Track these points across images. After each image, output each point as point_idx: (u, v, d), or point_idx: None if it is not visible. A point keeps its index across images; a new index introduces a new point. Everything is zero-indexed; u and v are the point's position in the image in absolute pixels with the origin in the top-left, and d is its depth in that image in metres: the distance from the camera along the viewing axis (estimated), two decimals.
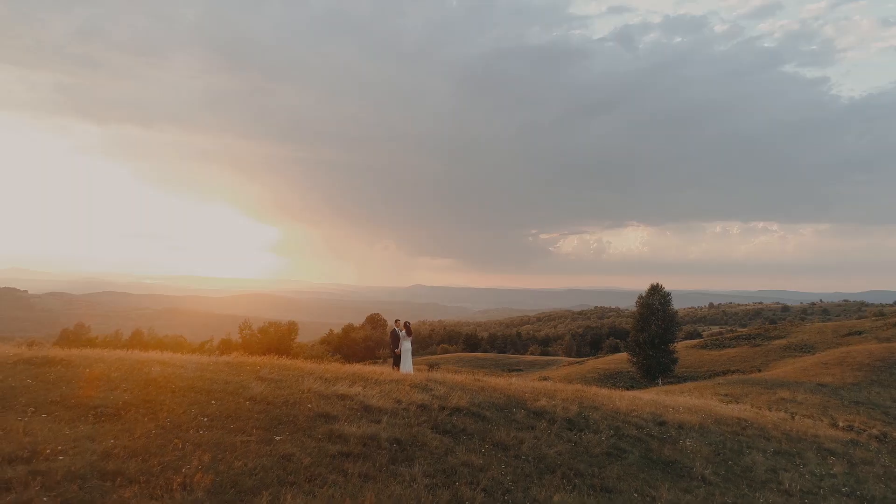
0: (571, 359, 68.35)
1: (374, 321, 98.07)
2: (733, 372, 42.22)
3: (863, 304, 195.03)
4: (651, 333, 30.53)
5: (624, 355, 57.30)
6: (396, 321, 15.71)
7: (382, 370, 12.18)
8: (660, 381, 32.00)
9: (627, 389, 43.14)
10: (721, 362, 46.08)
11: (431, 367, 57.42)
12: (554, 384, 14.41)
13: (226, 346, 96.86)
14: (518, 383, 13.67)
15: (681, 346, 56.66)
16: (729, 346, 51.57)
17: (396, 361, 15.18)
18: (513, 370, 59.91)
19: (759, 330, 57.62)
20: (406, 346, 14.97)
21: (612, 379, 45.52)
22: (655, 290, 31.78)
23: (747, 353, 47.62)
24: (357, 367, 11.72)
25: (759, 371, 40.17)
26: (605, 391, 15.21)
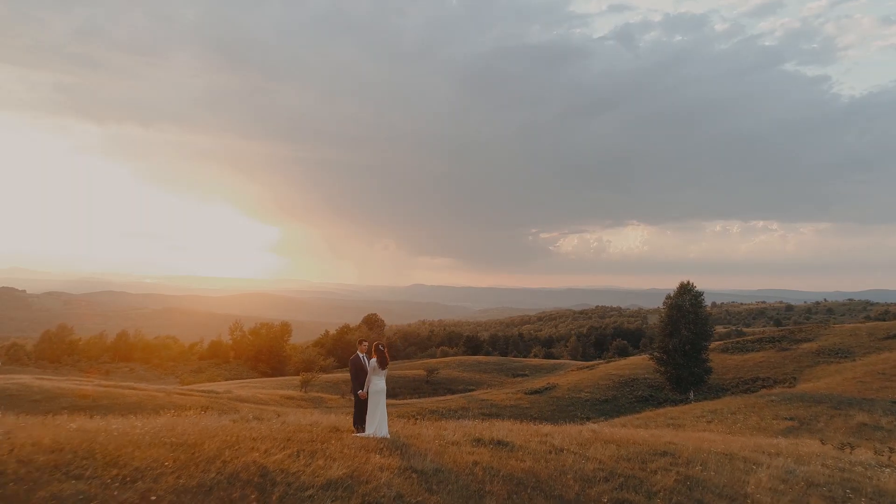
0: (579, 362, 64.12)
1: (371, 322, 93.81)
2: (764, 380, 37.93)
3: (868, 303, 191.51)
4: (681, 339, 26.21)
5: (637, 359, 53.04)
6: (361, 342, 9.66)
7: (330, 434, 7.68)
8: (692, 394, 27.76)
9: (650, 402, 38.84)
10: (747, 369, 41.82)
11: (430, 371, 53.37)
12: (611, 431, 9.89)
13: (216, 348, 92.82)
14: (570, 449, 8.21)
15: None
16: (752, 350, 47.30)
17: (359, 414, 9.08)
18: (517, 375, 55.69)
19: (783, 332, 53.28)
20: (378, 384, 9.05)
21: (628, 387, 41.25)
22: (686, 289, 27.42)
23: (775, 357, 43.32)
24: (272, 444, 6.52)
25: (795, 380, 35.92)
26: (712, 450, 9.20)
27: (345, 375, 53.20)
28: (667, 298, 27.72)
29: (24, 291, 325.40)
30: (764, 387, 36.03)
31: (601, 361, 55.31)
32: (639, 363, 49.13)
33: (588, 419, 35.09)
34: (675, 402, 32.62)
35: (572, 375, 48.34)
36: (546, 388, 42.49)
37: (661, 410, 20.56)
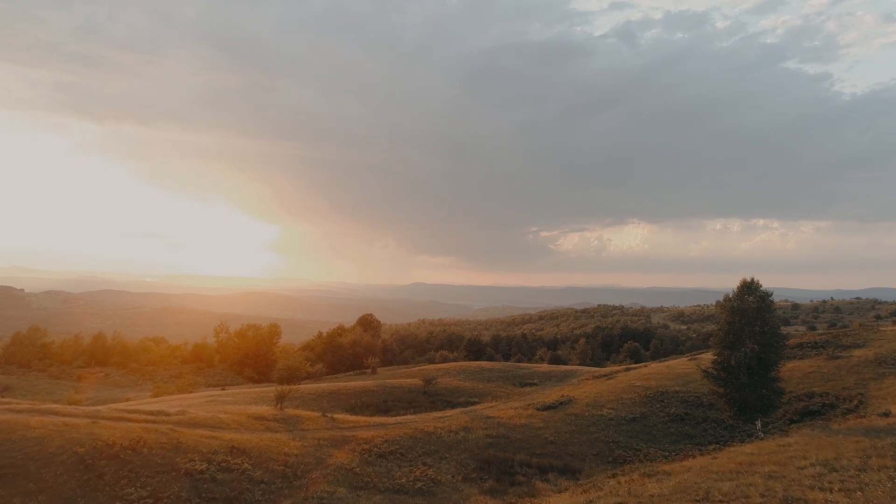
0: (592, 369, 58.26)
1: (366, 323, 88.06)
2: (823, 396, 32.06)
3: (876, 301, 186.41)
4: (746, 353, 20.34)
5: (660, 367, 47.26)
6: None
7: None
8: (758, 424, 21.78)
9: (687, 423, 32.81)
10: (795, 381, 35.93)
11: (428, 381, 47.55)
12: None
13: (199, 351, 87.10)
14: None
15: None
16: (795, 357, 41.29)
17: None
18: (525, 384, 49.88)
19: (826, 336, 47.40)
20: None
21: (658, 402, 35.43)
22: (750, 288, 21.24)
23: (826, 367, 37.48)
24: None
25: (864, 398, 30.15)
26: None
27: (332, 385, 47.35)
28: (725, 300, 21.84)
29: (23, 290, 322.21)
30: (825, 404, 30.26)
31: (619, 368, 49.56)
32: (663, 372, 43.39)
33: (618, 446, 29.32)
34: (731, 431, 26.78)
35: (589, 386, 42.56)
36: (561, 403, 36.76)
37: (737, 454, 14.82)
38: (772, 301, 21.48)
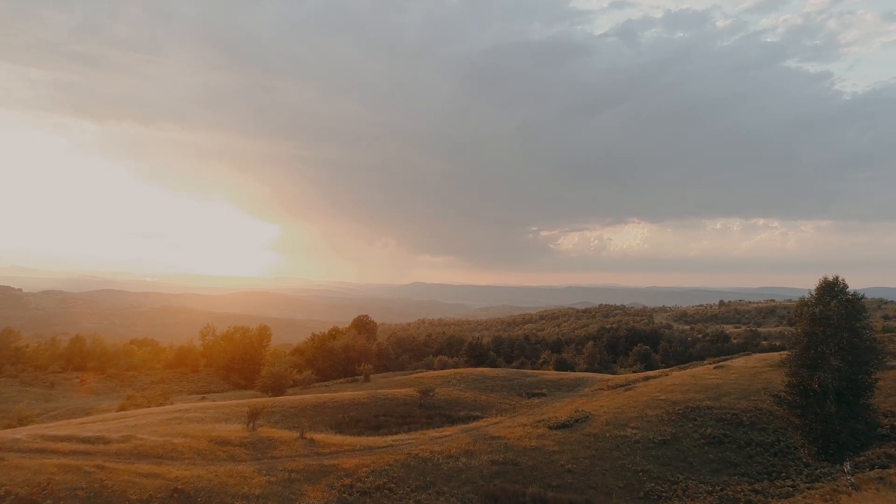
0: (606, 376, 53.45)
1: (361, 324, 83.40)
2: (888, 418, 27.40)
3: (882, 301, 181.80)
4: (833, 373, 15.43)
5: (683, 375, 42.66)
6: None
7: None
8: (847, 467, 16.88)
9: (728, 446, 27.44)
10: None
11: (425, 392, 42.69)
12: None
13: (184, 355, 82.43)
14: None
15: (758, 364, 42.07)
16: None
17: None
18: (532, 395, 45.15)
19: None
20: None
21: (690, 421, 30.76)
22: (832, 290, 16.21)
23: (885, 380, 32.68)
24: None
25: None
26: None
27: (318, 397, 42.65)
28: (801, 304, 16.93)
29: (21, 290, 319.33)
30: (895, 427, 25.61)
31: (637, 377, 44.84)
32: (689, 383, 38.78)
33: (648, 476, 24.63)
34: (783, 458, 22.06)
35: (605, 399, 37.94)
36: (576, 420, 32.15)
37: None
38: (863, 306, 16.77)
